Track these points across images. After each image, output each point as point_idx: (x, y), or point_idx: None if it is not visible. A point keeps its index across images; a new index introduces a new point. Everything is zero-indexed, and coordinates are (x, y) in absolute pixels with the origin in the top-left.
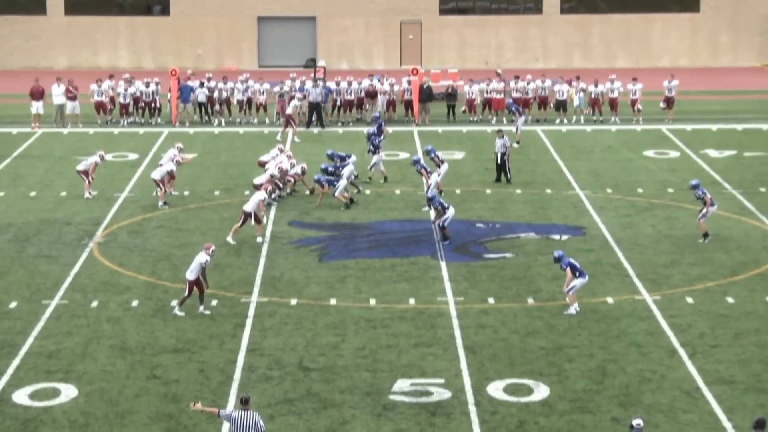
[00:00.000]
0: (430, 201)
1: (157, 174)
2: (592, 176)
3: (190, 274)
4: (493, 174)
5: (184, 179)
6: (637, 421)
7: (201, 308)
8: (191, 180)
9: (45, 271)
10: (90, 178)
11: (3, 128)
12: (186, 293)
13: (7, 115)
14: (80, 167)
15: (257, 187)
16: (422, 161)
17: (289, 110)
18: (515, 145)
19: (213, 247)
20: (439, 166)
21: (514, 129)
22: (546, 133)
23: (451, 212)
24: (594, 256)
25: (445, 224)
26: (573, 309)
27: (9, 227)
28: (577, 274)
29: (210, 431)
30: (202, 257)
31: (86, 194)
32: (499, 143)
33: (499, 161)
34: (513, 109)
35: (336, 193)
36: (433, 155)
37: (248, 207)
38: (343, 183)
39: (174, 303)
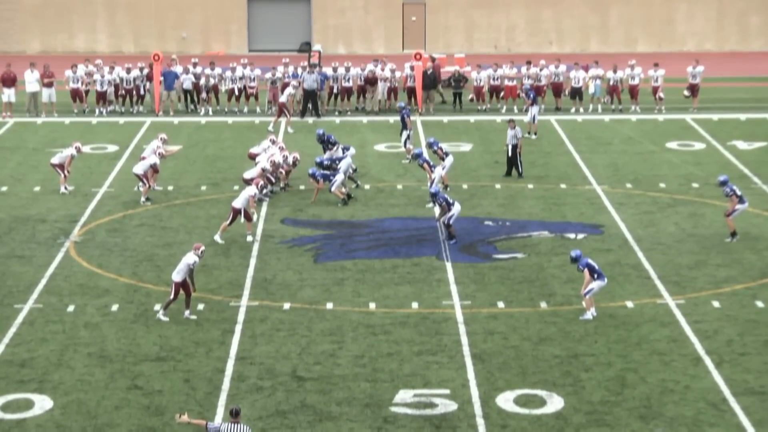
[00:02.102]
0: (434, 197)
1: (139, 168)
2: (610, 170)
3: (177, 276)
4: (503, 167)
5: (168, 173)
6: None
7: (187, 313)
8: (176, 174)
9: (17, 272)
10: (66, 171)
11: None
12: (171, 296)
13: None
14: (55, 160)
15: (247, 182)
16: (425, 155)
17: (282, 98)
18: (532, 137)
19: (203, 248)
20: (443, 159)
21: (528, 118)
22: (560, 123)
23: (456, 209)
24: (612, 256)
25: (451, 222)
26: (590, 314)
27: None
28: (596, 276)
29: None
30: (190, 258)
31: (62, 189)
32: (511, 134)
33: (510, 154)
34: (530, 96)
35: (332, 188)
36: (436, 148)
37: (238, 203)
38: (340, 178)
39: (158, 307)
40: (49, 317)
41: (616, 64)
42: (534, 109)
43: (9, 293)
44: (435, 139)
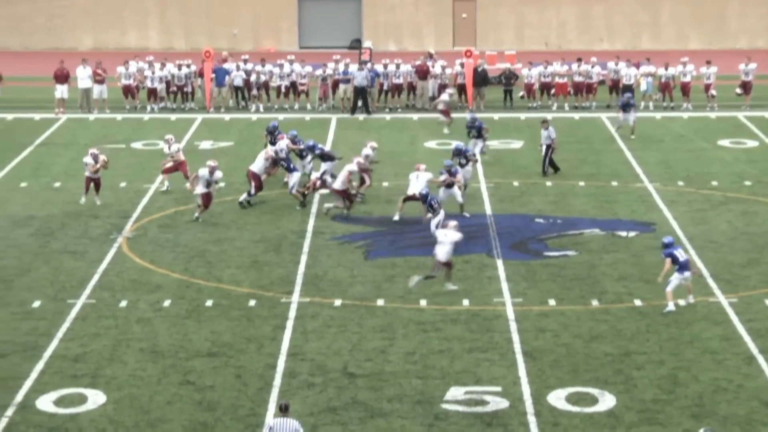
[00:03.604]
0: (424, 198)
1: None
2: (662, 167)
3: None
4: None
5: (220, 168)
6: None
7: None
8: (227, 171)
9: (70, 267)
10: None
11: (25, 114)
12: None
13: (30, 99)
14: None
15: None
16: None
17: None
18: (631, 137)
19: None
20: (462, 167)
21: (622, 119)
22: (612, 120)
23: (441, 216)
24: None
25: (437, 227)
26: (671, 306)
27: (31, 220)
28: (678, 268)
29: None
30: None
31: (83, 200)
32: (545, 134)
33: (543, 153)
34: (631, 103)
35: (291, 191)
36: (467, 153)
37: (337, 185)
38: (296, 177)
39: (209, 303)
40: (101, 312)
41: (667, 61)
42: (631, 115)
43: (62, 288)
44: (462, 145)
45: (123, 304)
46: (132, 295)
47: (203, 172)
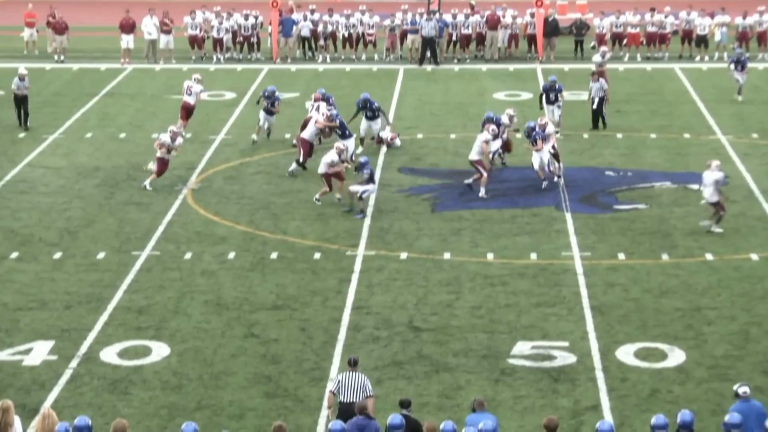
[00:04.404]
0: (362, 167)
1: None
2: (735, 119)
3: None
4: (625, 117)
5: (285, 120)
6: (744, 389)
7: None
8: (293, 122)
9: (135, 219)
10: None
11: (91, 64)
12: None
13: (96, 49)
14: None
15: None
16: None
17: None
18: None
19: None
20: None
21: (736, 77)
22: (684, 71)
23: (374, 187)
24: (737, 207)
25: (364, 196)
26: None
27: (97, 171)
28: None
29: (312, 395)
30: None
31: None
32: (595, 87)
33: (595, 106)
34: (743, 60)
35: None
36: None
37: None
38: (352, 144)
39: (274, 255)
40: (166, 264)
41: (746, 9)
42: (740, 75)
43: (127, 240)
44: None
45: (187, 256)
46: (197, 247)
47: (165, 138)
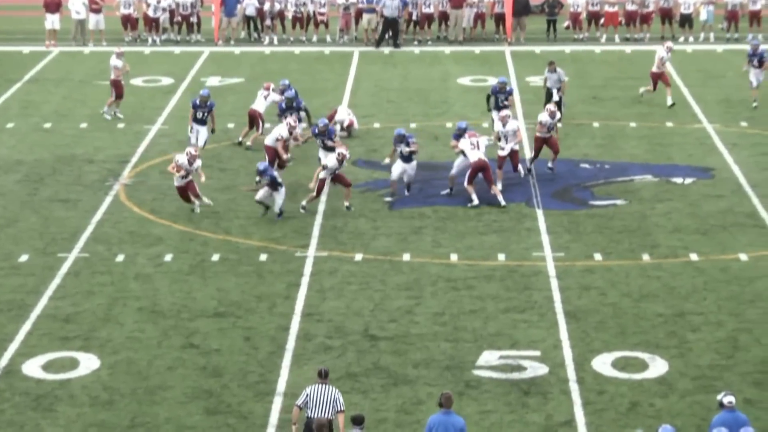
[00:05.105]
0: (262, 174)
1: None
2: (723, 106)
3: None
4: (602, 104)
5: (228, 108)
6: (729, 399)
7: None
8: (237, 110)
9: (62, 218)
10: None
11: (13, 46)
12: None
13: (18, 30)
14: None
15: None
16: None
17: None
18: (753, 104)
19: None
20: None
21: (751, 77)
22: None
23: (282, 192)
24: (724, 203)
25: (278, 209)
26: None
27: (19, 165)
28: None
29: (257, 411)
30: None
31: (105, 111)
32: (553, 78)
33: (555, 98)
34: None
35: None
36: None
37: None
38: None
39: (216, 258)
40: (96, 268)
41: None
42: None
43: (52, 241)
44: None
45: (120, 258)
46: (130, 249)
47: (182, 159)
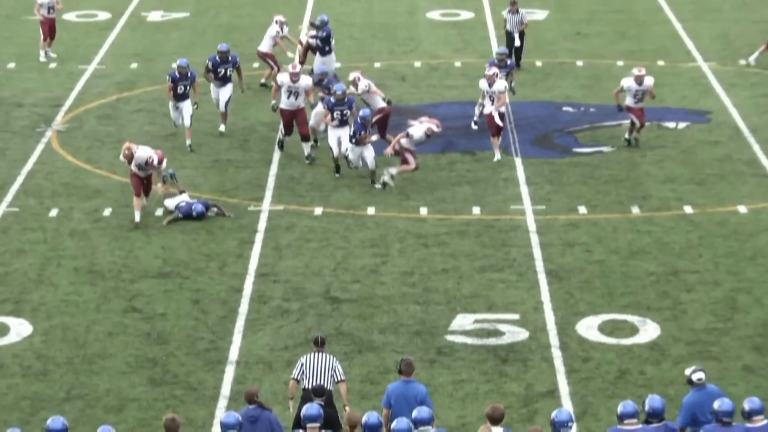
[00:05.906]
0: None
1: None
2: (719, 42)
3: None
4: (585, 40)
5: (172, 46)
6: (699, 375)
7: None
8: (181, 47)
9: None
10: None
11: None
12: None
13: None
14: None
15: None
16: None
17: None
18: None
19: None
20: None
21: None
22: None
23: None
24: (721, 150)
25: (191, 213)
26: None
27: None
28: None
29: (207, 381)
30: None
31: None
32: (514, 20)
33: (517, 43)
34: None
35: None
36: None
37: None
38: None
39: (159, 212)
40: (26, 224)
41: None
42: None
43: None
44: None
45: (53, 213)
46: (64, 203)
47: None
